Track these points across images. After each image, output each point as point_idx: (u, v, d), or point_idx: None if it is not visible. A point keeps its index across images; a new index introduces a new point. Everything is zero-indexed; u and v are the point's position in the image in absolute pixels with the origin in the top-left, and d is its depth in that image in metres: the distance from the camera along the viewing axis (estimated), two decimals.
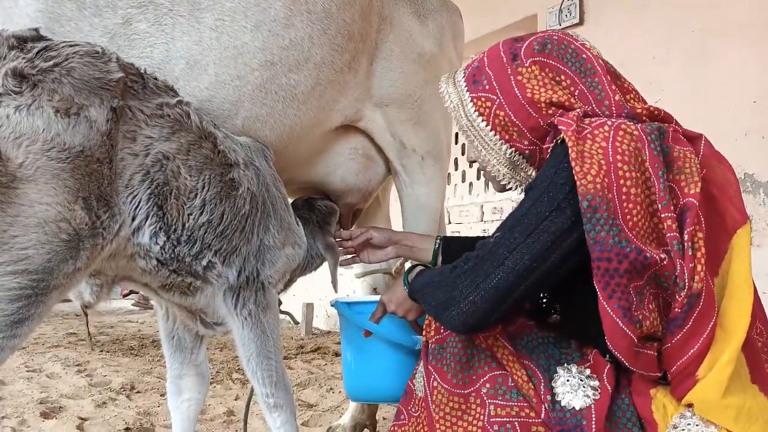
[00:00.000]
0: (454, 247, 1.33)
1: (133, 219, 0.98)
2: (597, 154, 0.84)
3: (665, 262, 0.83)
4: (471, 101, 0.98)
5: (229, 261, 1.13)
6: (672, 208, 0.84)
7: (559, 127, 0.89)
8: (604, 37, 3.23)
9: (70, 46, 0.92)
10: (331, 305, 1.43)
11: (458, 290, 0.91)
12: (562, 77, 0.95)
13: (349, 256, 1.49)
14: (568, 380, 0.92)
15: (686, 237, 0.83)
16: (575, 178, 0.83)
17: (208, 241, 1.08)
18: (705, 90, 2.77)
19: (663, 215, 0.84)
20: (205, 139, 1.09)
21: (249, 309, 1.16)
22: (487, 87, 0.97)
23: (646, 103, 0.98)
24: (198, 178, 1.05)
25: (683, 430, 0.85)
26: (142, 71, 1.04)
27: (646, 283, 0.85)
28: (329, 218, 1.54)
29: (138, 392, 2.66)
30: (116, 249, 0.98)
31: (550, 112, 0.93)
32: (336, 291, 1.48)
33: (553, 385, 0.92)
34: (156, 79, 1.06)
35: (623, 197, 0.82)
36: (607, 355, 0.95)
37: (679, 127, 0.96)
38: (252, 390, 1.58)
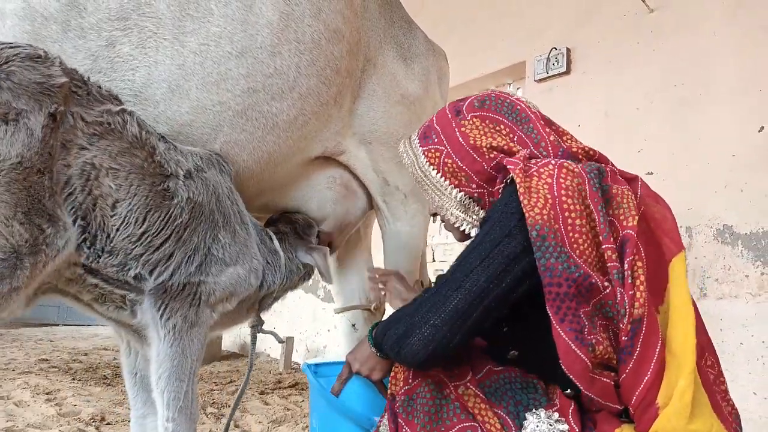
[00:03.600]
0: None
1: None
2: (543, 189, 0.91)
3: (608, 291, 0.89)
4: (423, 154, 1.07)
5: (160, 270, 1.06)
6: (612, 239, 0.90)
7: (508, 167, 0.97)
8: (590, 87, 3.33)
9: (11, 47, 0.88)
10: (303, 370, 1.38)
11: (419, 316, 0.94)
12: (501, 126, 1.05)
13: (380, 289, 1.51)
14: (538, 426, 0.92)
15: (626, 266, 0.89)
16: (524, 211, 0.89)
17: (132, 251, 1.02)
18: (686, 142, 2.85)
19: (604, 246, 0.90)
20: (140, 148, 1.03)
21: (175, 322, 1.06)
22: (435, 140, 1.07)
23: (581, 143, 1.07)
24: (124, 188, 1.00)
25: None
26: (85, 78, 0.99)
27: (594, 311, 0.90)
28: (308, 230, 1.51)
29: (108, 424, 2.58)
30: (60, 266, 0.91)
31: (492, 155, 1.02)
32: (330, 283, 1.52)
33: None
34: (99, 86, 1.02)
35: (569, 227, 0.89)
36: (568, 389, 0.97)
37: (615, 168, 1.04)
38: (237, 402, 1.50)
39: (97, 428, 2.49)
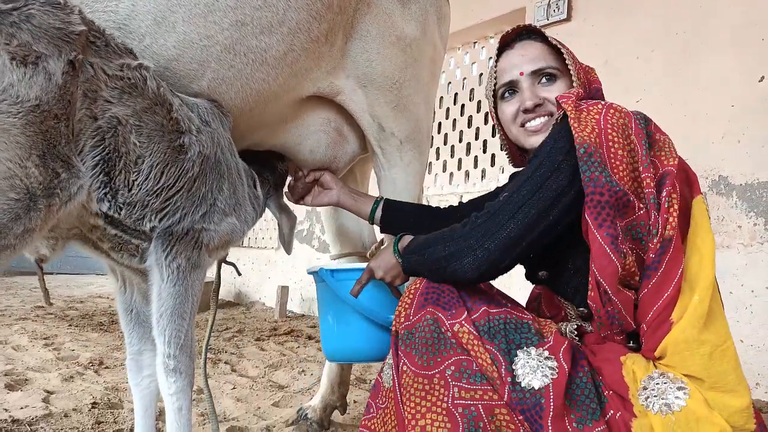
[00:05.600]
0: (395, 209, 1.51)
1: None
2: (591, 120, 1.01)
3: (641, 212, 0.98)
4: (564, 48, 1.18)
5: (169, 217, 1.10)
6: (651, 171, 0.99)
7: (560, 101, 1.05)
8: (591, 34, 3.25)
9: None
10: (309, 273, 1.45)
11: (473, 239, 1.03)
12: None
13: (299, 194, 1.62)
14: (527, 362, 0.95)
15: (664, 194, 0.98)
16: (573, 132, 0.99)
17: (149, 204, 1.06)
18: (686, 91, 2.81)
19: (644, 175, 0.98)
20: (160, 105, 1.05)
21: (179, 263, 1.10)
22: (567, 50, 1.18)
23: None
24: (147, 145, 1.02)
25: (652, 390, 0.92)
26: (103, 30, 0.99)
27: (626, 230, 0.98)
28: (284, 180, 1.58)
29: (106, 368, 2.63)
30: (73, 211, 0.94)
31: (592, 78, 1.18)
32: (289, 254, 1.59)
33: (513, 367, 0.96)
34: (115, 39, 1.02)
35: (611, 154, 0.98)
36: (585, 309, 1.06)
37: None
38: (204, 355, 1.58)
39: (96, 372, 2.54)
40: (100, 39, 0.96)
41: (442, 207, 1.53)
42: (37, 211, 0.84)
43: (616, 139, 0.98)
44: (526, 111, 1.16)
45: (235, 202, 1.23)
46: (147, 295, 1.26)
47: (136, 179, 1.02)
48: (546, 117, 1.16)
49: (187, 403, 1.14)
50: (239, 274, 1.59)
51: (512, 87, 1.19)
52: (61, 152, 0.87)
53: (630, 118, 1.02)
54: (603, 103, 1.04)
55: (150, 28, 1.11)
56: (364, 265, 1.28)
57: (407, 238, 1.19)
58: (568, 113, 1.01)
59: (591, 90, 1.17)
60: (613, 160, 0.97)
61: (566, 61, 1.14)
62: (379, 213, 1.50)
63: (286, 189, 1.64)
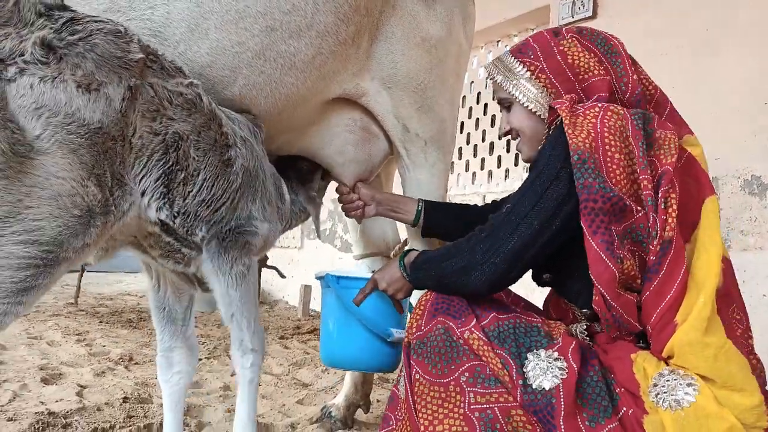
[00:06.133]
0: (436, 211, 1.51)
1: (143, 194, 1.02)
2: (588, 125, 1.00)
3: (640, 215, 0.97)
4: (519, 64, 1.14)
5: (218, 227, 1.18)
6: (649, 173, 0.98)
7: (555, 106, 1.05)
8: (617, 31, 3.17)
9: (95, 21, 0.93)
10: (317, 278, 1.47)
11: (479, 254, 1.05)
12: (592, 54, 1.12)
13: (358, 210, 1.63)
14: (537, 364, 0.97)
15: (660, 195, 0.97)
16: (568, 139, 0.98)
17: (201, 214, 1.13)
18: (715, 88, 2.75)
19: (641, 177, 0.98)
20: (214, 121, 1.12)
21: (238, 269, 1.20)
22: (532, 56, 1.14)
23: (655, 84, 1.15)
24: (202, 158, 1.09)
25: (662, 386, 0.93)
26: (159, 52, 1.05)
27: (624, 233, 0.97)
28: (311, 176, 1.64)
29: (136, 363, 2.70)
30: (130, 223, 1.01)
31: (587, 77, 1.10)
32: (319, 238, 1.69)
33: (524, 370, 0.97)
34: (167, 59, 1.08)
35: (608, 159, 0.97)
36: (586, 310, 1.06)
37: (674, 108, 1.15)
38: None
39: (126, 367, 2.61)
40: (156, 62, 1.03)
41: (480, 205, 1.54)
42: (95, 227, 0.91)
43: (613, 142, 0.98)
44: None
45: (271, 210, 1.31)
46: (181, 294, 1.34)
47: (191, 190, 1.09)
48: (517, 138, 1.22)
49: (257, 377, 1.27)
50: (282, 276, 1.64)
51: None
52: (116, 171, 0.94)
53: (627, 120, 1.00)
54: (600, 105, 1.03)
55: (184, 35, 1.13)
56: (370, 274, 1.30)
57: (413, 254, 1.21)
58: (564, 118, 1.01)
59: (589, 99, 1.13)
60: (609, 164, 0.97)
61: (510, 92, 1.15)
62: (421, 221, 1.52)
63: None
